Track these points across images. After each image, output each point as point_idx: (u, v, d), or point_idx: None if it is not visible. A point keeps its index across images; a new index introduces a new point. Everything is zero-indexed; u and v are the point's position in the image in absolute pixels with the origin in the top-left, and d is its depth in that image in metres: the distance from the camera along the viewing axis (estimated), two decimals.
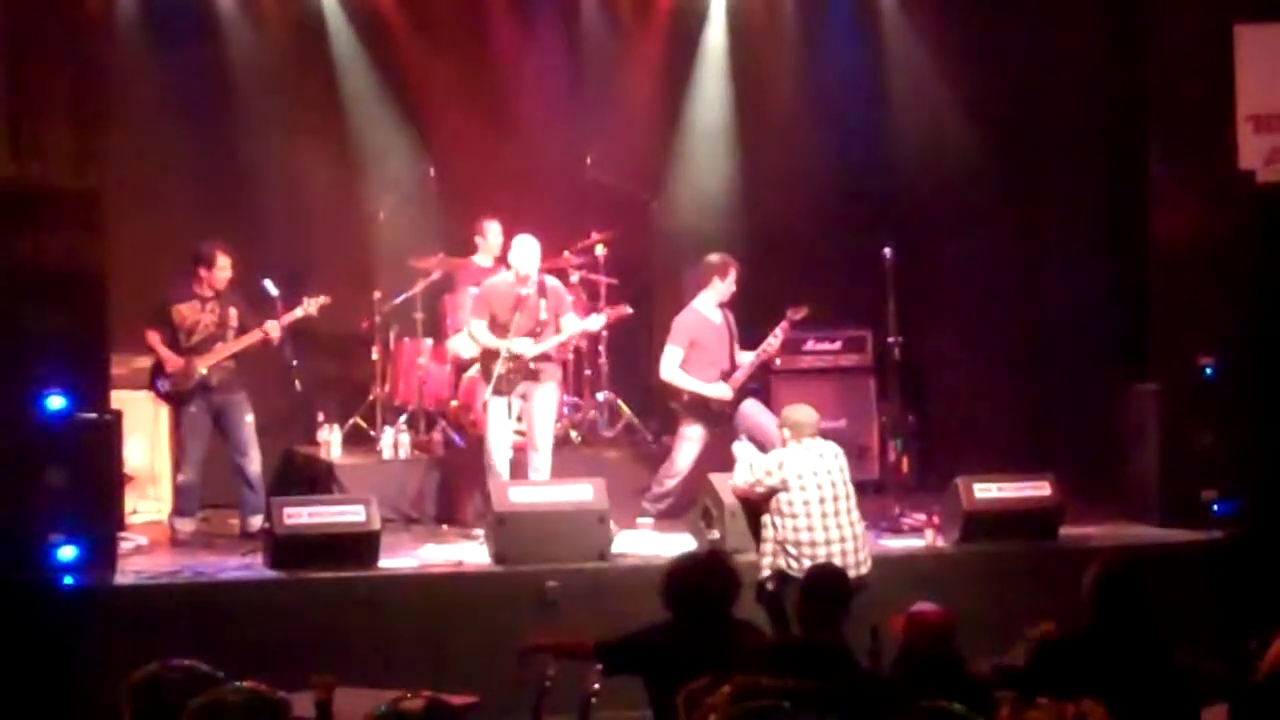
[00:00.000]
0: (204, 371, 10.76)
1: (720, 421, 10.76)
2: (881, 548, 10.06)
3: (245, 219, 12.10)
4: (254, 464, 10.91)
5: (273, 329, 10.82)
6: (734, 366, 10.78)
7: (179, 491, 10.94)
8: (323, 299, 10.98)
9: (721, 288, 10.86)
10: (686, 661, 6.60)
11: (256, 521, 10.72)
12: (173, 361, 10.75)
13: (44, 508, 9.26)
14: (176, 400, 10.88)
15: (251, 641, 8.72)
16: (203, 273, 10.80)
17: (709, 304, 10.89)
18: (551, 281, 10.78)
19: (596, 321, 11.00)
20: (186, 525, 10.83)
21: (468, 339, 11.12)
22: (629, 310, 11.38)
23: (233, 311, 10.88)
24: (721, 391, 10.73)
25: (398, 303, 12.13)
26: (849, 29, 13.00)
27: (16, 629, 8.94)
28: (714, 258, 10.93)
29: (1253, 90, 11.27)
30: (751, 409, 10.75)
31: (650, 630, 7.11)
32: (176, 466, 11.03)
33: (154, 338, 10.79)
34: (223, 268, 10.83)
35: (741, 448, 9.74)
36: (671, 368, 10.77)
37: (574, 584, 9.60)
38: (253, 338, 10.84)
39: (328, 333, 12.19)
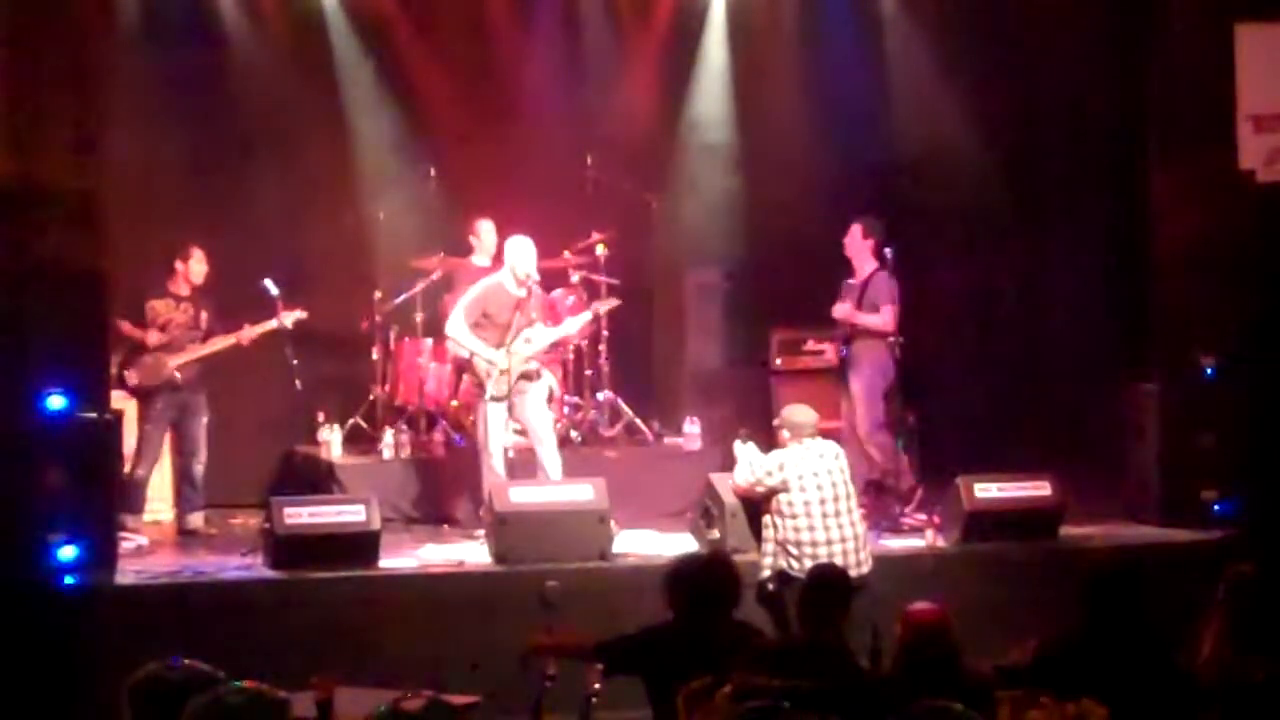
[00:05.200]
0: (173, 368, 10.78)
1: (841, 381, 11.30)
2: (881, 548, 10.06)
3: (245, 219, 12.10)
4: (201, 465, 11.01)
5: (245, 336, 10.86)
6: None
7: (134, 486, 10.80)
8: (299, 313, 11.00)
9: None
10: (686, 661, 6.59)
11: (196, 519, 10.98)
12: (154, 337, 10.71)
13: (44, 508, 9.26)
14: (144, 394, 10.85)
15: (251, 641, 8.71)
16: (178, 266, 10.86)
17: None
18: (536, 289, 10.83)
19: (576, 324, 11.02)
20: (130, 522, 10.75)
21: (453, 343, 11.14)
22: (616, 302, 11.38)
23: (204, 315, 10.92)
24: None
25: (398, 303, 12.13)
26: (849, 29, 13.00)
27: (16, 629, 8.94)
28: None
29: (1253, 90, 11.27)
30: (852, 387, 11.07)
31: (651, 630, 7.11)
32: (135, 461, 10.88)
33: (125, 325, 10.75)
34: (198, 260, 10.90)
35: (742, 447, 9.74)
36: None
37: (574, 584, 9.59)
38: (225, 342, 10.90)
39: (328, 333, 12.20)
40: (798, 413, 9.46)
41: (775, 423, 9.58)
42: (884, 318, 10.94)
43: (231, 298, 11.23)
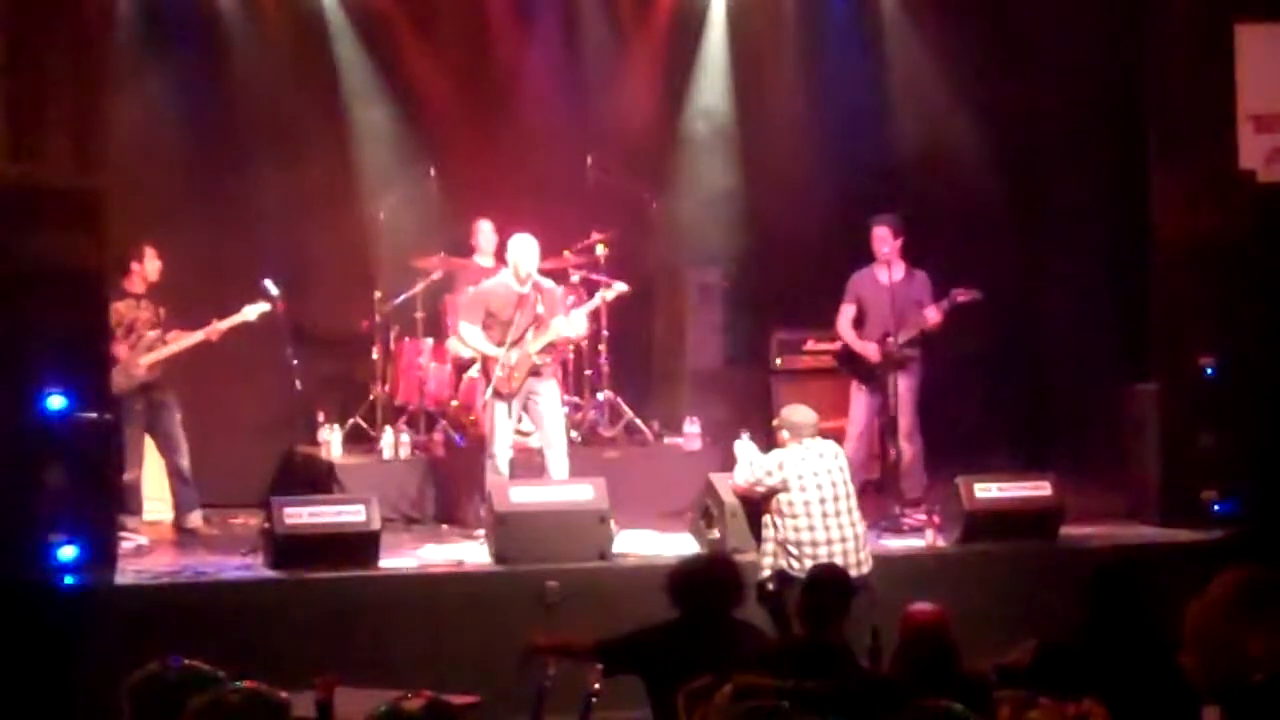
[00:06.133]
0: (145, 368, 10.79)
1: (869, 379, 11.06)
2: (881, 548, 10.05)
3: (245, 219, 12.10)
4: (186, 459, 11.01)
5: (215, 331, 10.89)
6: (898, 328, 10.90)
7: (128, 490, 10.79)
8: (263, 306, 10.96)
9: (875, 250, 11.08)
10: (687, 661, 6.60)
11: (195, 518, 11.01)
12: (122, 353, 10.74)
13: (44, 508, 9.25)
14: (119, 397, 10.84)
15: (251, 641, 8.71)
16: (134, 266, 10.85)
17: (878, 264, 11.13)
18: (546, 283, 10.80)
19: (580, 319, 11.01)
20: (130, 522, 10.76)
21: (458, 343, 11.14)
22: (624, 287, 11.36)
23: (161, 311, 10.96)
24: (865, 349, 11.04)
25: (398, 303, 12.12)
26: (849, 29, 13.01)
27: (16, 629, 8.93)
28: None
29: (1253, 90, 11.27)
30: (899, 386, 10.92)
31: (651, 630, 7.12)
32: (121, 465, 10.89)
33: None
34: (152, 258, 10.91)
35: (742, 446, 9.73)
36: (839, 322, 11.24)
37: (574, 584, 9.60)
38: (194, 338, 10.88)
39: (328, 333, 12.20)
40: (797, 413, 9.47)
41: (775, 423, 9.58)
42: (937, 316, 10.96)
43: (232, 297, 11.22)
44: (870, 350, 11.06)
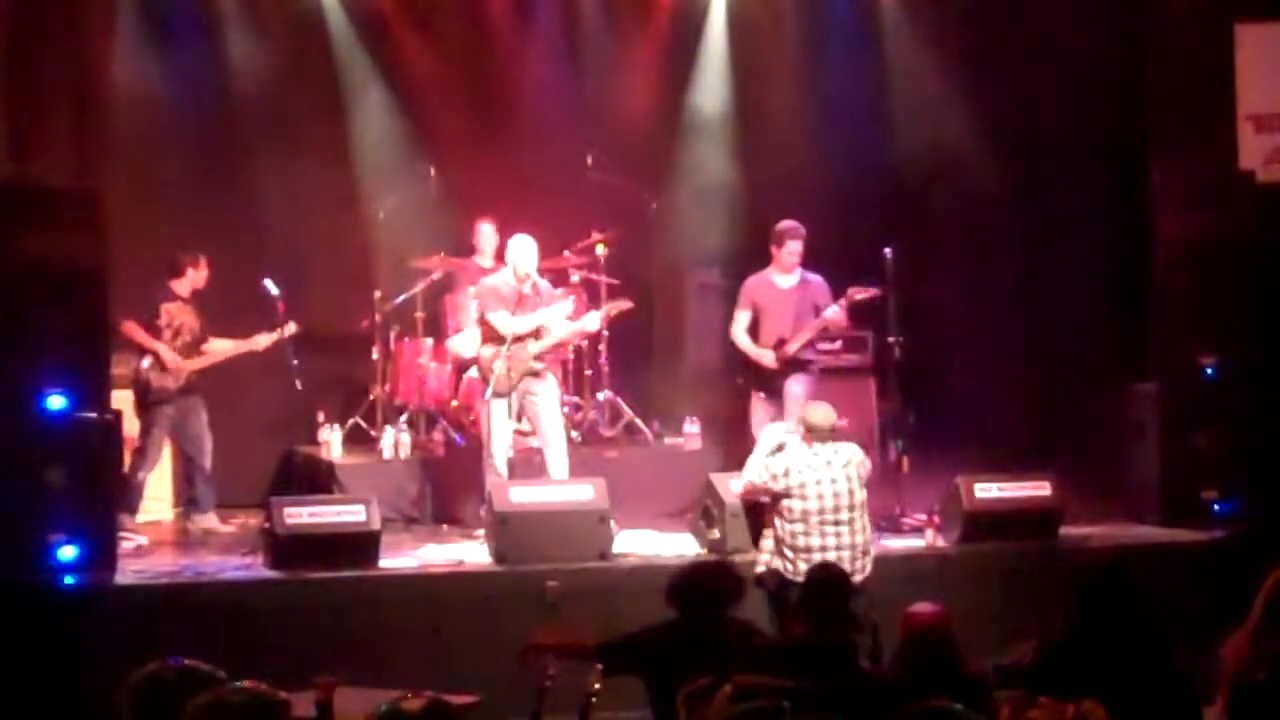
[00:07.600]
0: (190, 372, 10.85)
1: (770, 387, 10.82)
2: (881, 548, 10.04)
3: (245, 219, 12.11)
4: (209, 459, 11.07)
5: (260, 343, 11.04)
6: (794, 334, 10.80)
7: (135, 489, 10.84)
8: (293, 327, 11.03)
9: (780, 255, 10.90)
10: (686, 661, 6.60)
11: (212, 518, 11.10)
12: (173, 360, 10.77)
13: (44, 508, 9.26)
14: (160, 400, 10.85)
15: (251, 641, 8.72)
16: (190, 272, 10.88)
17: (777, 271, 10.95)
18: (542, 283, 10.80)
19: (593, 320, 10.98)
20: (130, 522, 10.77)
21: (471, 340, 11.11)
22: (628, 304, 11.35)
23: (200, 318, 11.04)
24: (764, 357, 10.80)
25: (398, 303, 12.13)
26: (849, 29, 13.00)
27: (16, 629, 8.94)
28: (778, 226, 10.97)
29: (1253, 90, 11.29)
30: (791, 389, 10.73)
31: (651, 630, 7.12)
32: (136, 465, 10.90)
33: (138, 332, 10.76)
34: (205, 266, 11.03)
35: (770, 431, 9.65)
36: (734, 329, 10.99)
37: (574, 584, 9.60)
38: (244, 347, 11.02)
39: (328, 333, 12.20)
40: (815, 414, 9.31)
41: (795, 415, 9.51)
42: (840, 313, 10.83)
43: (232, 297, 11.24)
44: (767, 358, 10.81)
